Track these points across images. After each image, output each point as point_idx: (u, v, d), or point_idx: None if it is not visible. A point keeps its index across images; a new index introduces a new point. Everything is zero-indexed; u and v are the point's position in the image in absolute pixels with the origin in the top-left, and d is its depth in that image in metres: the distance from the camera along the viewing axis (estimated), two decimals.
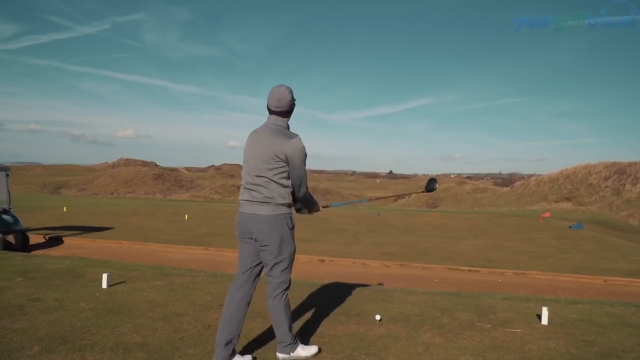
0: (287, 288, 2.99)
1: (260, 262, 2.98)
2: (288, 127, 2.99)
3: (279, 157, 2.82)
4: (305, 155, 2.89)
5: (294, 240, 2.99)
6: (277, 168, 2.83)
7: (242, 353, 3.11)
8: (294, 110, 3.03)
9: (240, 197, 2.99)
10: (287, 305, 3.02)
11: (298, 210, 3.23)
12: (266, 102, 2.94)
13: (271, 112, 2.95)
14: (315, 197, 3.21)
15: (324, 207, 3.37)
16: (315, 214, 3.30)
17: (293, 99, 2.97)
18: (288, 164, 2.83)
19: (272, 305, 2.97)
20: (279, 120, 2.95)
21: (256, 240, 2.89)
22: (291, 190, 2.91)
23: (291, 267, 2.99)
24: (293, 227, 2.96)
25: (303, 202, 3.11)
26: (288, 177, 2.87)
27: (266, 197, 2.85)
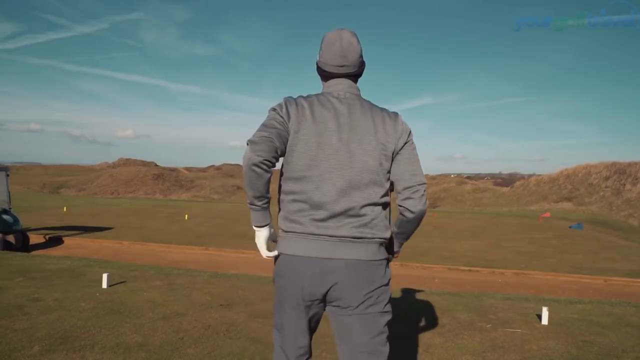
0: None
1: None
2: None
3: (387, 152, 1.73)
4: None
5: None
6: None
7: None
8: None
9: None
10: None
11: None
12: (319, 58, 1.80)
13: (335, 74, 1.78)
14: None
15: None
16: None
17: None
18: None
19: None
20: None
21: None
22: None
23: (275, 334, 1.85)
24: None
25: None
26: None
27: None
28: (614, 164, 45.38)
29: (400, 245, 1.90)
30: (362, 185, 1.67)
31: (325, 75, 1.81)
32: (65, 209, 24.44)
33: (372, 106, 1.78)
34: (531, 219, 26.60)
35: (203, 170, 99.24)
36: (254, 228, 1.72)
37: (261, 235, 1.72)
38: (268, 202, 1.67)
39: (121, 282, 5.18)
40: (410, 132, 1.77)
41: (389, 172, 1.73)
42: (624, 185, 42.07)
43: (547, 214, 29.72)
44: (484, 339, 3.60)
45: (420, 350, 3.33)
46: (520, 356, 3.27)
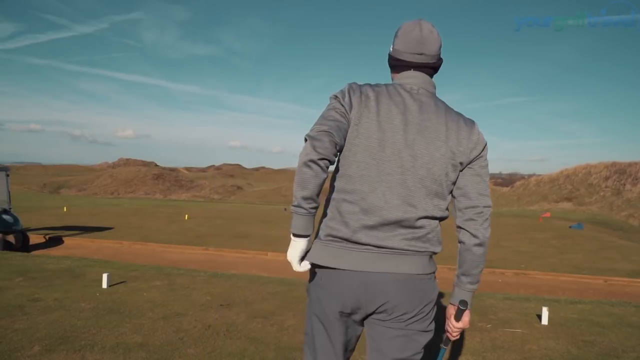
0: None
1: None
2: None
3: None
4: None
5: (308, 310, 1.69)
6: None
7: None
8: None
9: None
10: None
11: None
12: (393, 47, 1.60)
13: (412, 64, 1.57)
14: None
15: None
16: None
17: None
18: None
19: None
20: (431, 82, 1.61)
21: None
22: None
23: (307, 351, 1.69)
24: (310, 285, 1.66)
25: None
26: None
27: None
28: (614, 164, 45.35)
29: (471, 294, 1.60)
30: (422, 194, 1.47)
31: (399, 66, 1.59)
32: (65, 209, 24.43)
33: (448, 108, 1.57)
34: (531, 219, 26.57)
35: (203, 170, 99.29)
36: (292, 237, 1.46)
37: (299, 247, 1.46)
38: (316, 209, 1.44)
39: (121, 282, 5.18)
40: (485, 145, 1.57)
41: (453, 184, 1.54)
42: (624, 185, 42.04)
43: (547, 214, 29.68)
44: (484, 339, 3.60)
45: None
46: (520, 356, 3.27)
